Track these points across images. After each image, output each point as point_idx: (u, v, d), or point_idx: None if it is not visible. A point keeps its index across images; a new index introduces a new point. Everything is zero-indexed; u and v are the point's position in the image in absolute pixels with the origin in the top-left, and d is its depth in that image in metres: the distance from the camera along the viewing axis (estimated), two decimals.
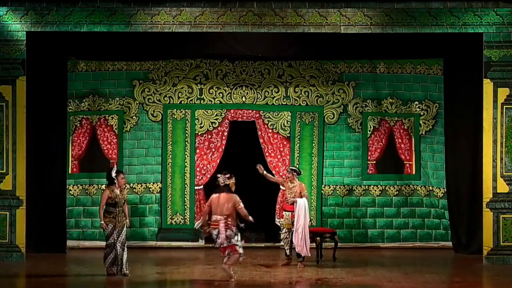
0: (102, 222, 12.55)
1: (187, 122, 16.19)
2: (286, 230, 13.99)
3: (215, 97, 16.19)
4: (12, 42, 14.08)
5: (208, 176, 16.12)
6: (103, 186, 15.94)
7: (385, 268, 13.71)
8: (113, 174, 12.66)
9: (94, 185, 16.09)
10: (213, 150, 16.15)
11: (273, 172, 16.00)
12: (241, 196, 15.20)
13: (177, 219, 16.13)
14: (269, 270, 13.44)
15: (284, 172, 15.92)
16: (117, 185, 12.65)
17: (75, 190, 16.04)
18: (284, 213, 14.15)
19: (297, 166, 15.56)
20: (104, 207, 12.54)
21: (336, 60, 16.17)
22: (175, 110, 16.19)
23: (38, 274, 13.06)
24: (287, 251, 14.01)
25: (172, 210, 16.16)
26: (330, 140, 16.22)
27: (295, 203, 13.70)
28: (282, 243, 14.44)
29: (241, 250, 12.37)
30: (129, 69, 16.19)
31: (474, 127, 15.00)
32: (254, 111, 16.21)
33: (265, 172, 14.30)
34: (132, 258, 14.70)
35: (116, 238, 12.59)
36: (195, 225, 15.90)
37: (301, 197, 13.75)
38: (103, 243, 15.76)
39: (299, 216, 13.59)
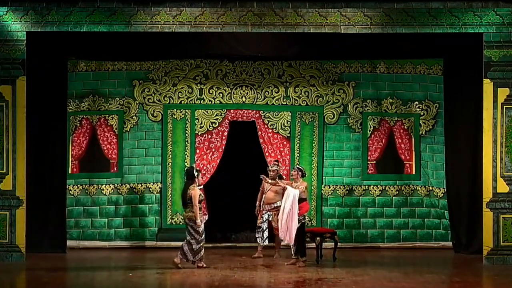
0: (199, 220, 13.17)
1: (187, 122, 16.18)
2: None
3: (215, 97, 16.18)
4: (12, 42, 14.07)
5: (208, 176, 16.10)
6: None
7: (385, 268, 13.70)
8: (195, 173, 13.40)
9: (94, 185, 16.09)
10: (213, 150, 16.14)
11: None
12: (241, 196, 15.30)
13: (177, 219, 16.12)
14: (269, 270, 13.45)
15: (284, 172, 15.94)
16: (197, 183, 13.39)
17: (75, 190, 16.04)
18: None
19: (297, 165, 15.56)
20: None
21: (336, 60, 16.16)
22: (175, 110, 16.19)
23: (38, 274, 13.06)
24: (292, 251, 14.04)
25: (172, 210, 16.15)
26: (330, 140, 16.21)
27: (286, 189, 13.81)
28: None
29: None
30: (129, 69, 16.19)
31: (474, 127, 14.99)
32: (254, 111, 16.21)
33: (266, 179, 14.59)
34: (133, 258, 14.74)
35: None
36: None
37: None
38: (103, 243, 15.94)
39: (286, 201, 13.63)
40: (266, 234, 14.69)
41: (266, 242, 14.72)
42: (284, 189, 13.91)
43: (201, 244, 13.31)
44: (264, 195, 14.66)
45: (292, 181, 14.13)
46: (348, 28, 14.06)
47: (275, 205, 14.53)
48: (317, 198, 16.08)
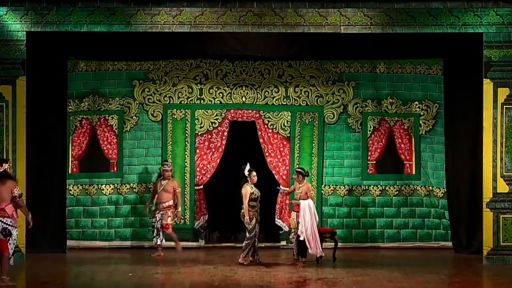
0: (247, 217, 13.58)
1: (187, 122, 16.18)
2: (293, 231, 14.05)
3: (215, 97, 16.18)
4: (12, 42, 14.09)
5: (208, 176, 16.12)
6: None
7: (385, 268, 13.71)
8: (246, 172, 13.64)
9: (94, 185, 16.08)
10: (213, 150, 16.14)
11: (273, 172, 16.02)
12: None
13: (177, 219, 16.10)
14: (269, 270, 13.44)
15: (284, 172, 15.96)
16: (250, 182, 13.66)
17: (75, 190, 16.03)
18: (292, 213, 14.23)
19: (297, 165, 15.57)
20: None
21: (336, 60, 16.16)
22: (175, 110, 16.19)
23: (38, 274, 13.06)
24: (294, 252, 14.03)
25: None
26: (330, 140, 16.21)
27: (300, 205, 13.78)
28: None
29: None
30: (129, 69, 16.19)
31: (474, 127, 14.99)
32: (254, 111, 16.21)
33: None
34: (132, 258, 14.74)
35: (257, 231, 13.70)
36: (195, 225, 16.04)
37: (307, 198, 13.77)
38: (103, 243, 15.93)
39: (304, 219, 13.64)
40: (161, 235, 15.05)
41: (164, 242, 15.08)
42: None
43: (249, 241, 13.67)
44: (156, 195, 15.15)
45: (296, 184, 14.10)
46: (348, 28, 14.07)
47: (167, 204, 15.03)
48: (317, 198, 16.06)
